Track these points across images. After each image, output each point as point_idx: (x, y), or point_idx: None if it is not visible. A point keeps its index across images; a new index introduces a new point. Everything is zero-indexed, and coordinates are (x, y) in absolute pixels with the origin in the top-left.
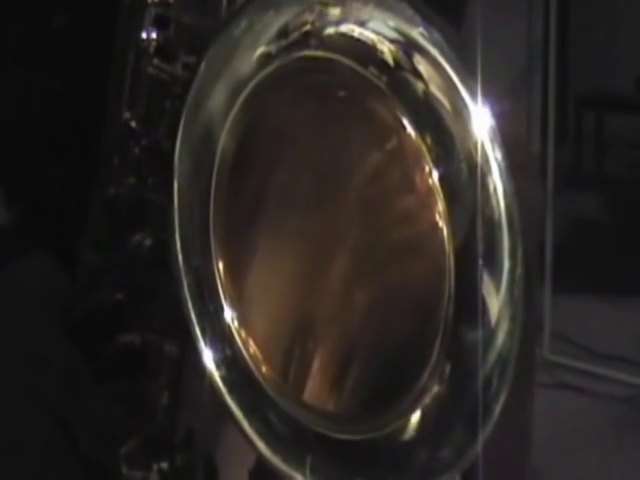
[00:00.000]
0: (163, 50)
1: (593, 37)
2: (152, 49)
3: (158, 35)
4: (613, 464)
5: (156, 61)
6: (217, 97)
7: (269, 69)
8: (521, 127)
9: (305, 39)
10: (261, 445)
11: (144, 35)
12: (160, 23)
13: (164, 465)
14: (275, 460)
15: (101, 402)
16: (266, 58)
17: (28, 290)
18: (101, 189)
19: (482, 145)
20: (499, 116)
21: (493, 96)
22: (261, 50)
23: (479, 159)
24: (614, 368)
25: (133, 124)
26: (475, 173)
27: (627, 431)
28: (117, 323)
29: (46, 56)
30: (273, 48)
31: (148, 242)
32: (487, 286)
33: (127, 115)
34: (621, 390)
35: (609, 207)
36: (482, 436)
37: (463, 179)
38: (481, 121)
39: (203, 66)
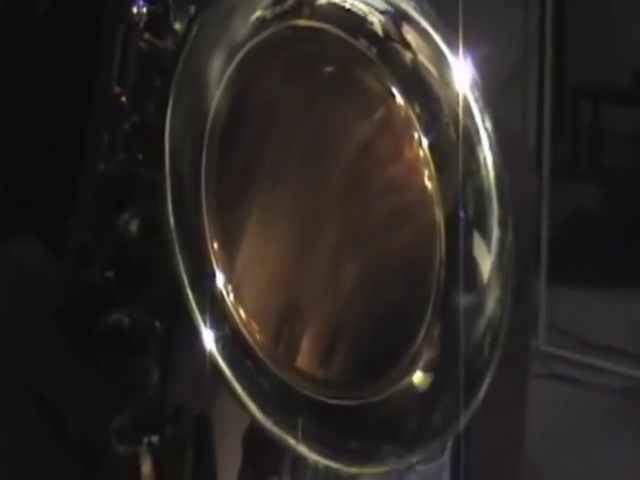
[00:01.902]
0: (154, 24)
1: (590, 28)
2: (143, 23)
3: (149, 9)
4: (608, 455)
5: (147, 35)
6: (211, 61)
7: (263, 35)
8: (515, 117)
9: (299, 7)
10: (253, 407)
11: (134, 9)
12: None
13: (154, 439)
14: (267, 423)
15: (88, 380)
16: (261, 23)
17: (15, 269)
18: (90, 165)
19: (470, 111)
20: (481, 66)
21: (475, 50)
22: (257, 14)
23: (460, 112)
24: (609, 359)
25: (123, 99)
26: (463, 138)
27: (622, 422)
28: (107, 301)
29: (33, 31)
30: (268, 13)
31: (138, 219)
32: (478, 248)
33: (117, 90)
34: (616, 381)
35: (605, 199)
36: (474, 402)
37: (452, 145)
38: (463, 74)
39: (196, 29)
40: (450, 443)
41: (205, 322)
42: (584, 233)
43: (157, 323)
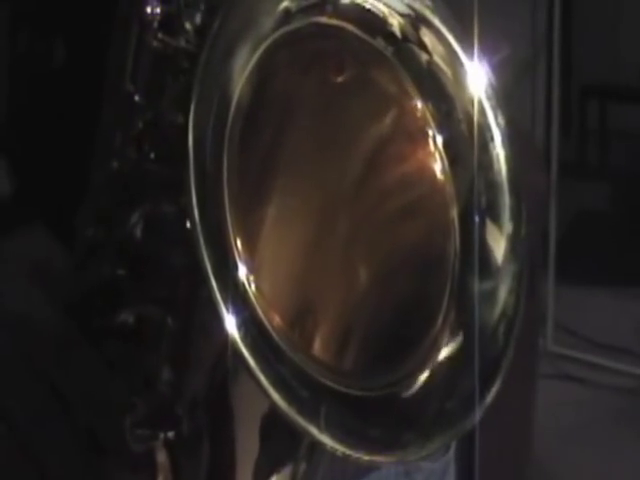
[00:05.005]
0: (167, 24)
1: (597, 27)
2: (156, 23)
3: (162, 9)
4: (616, 454)
5: (160, 35)
6: (236, 50)
7: (287, 27)
8: (524, 116)
9: (322, 4)
10: (275, 396)
11: (148, 9)
12: None
13: (170, 434)
14: (290, 412)
15: (101, 373)
16: (287, 14)
17: (26, 262)
18: (102, 163)
19: (483, 108)
20: (495, 68)
21: (490, 53)
22: (284, 4)
23: (476, 108)
24: (616, 359)
25: (136, 98)
26: (476, 135)
27: (630, 421)
28: (118, 297)
29: (47, 26)
30: (294, 6)
31: (151, 216)
32: (491, 234)
33: (130, 88)
34: (623, 381)
35: (613, 197)
36: (491, 391)
37: (465, 142)
38: (477, 77)
39: (219, 20)
40: (455, 440)
41: (228, 310)
42: (592, 232)
43: (169, 319)
